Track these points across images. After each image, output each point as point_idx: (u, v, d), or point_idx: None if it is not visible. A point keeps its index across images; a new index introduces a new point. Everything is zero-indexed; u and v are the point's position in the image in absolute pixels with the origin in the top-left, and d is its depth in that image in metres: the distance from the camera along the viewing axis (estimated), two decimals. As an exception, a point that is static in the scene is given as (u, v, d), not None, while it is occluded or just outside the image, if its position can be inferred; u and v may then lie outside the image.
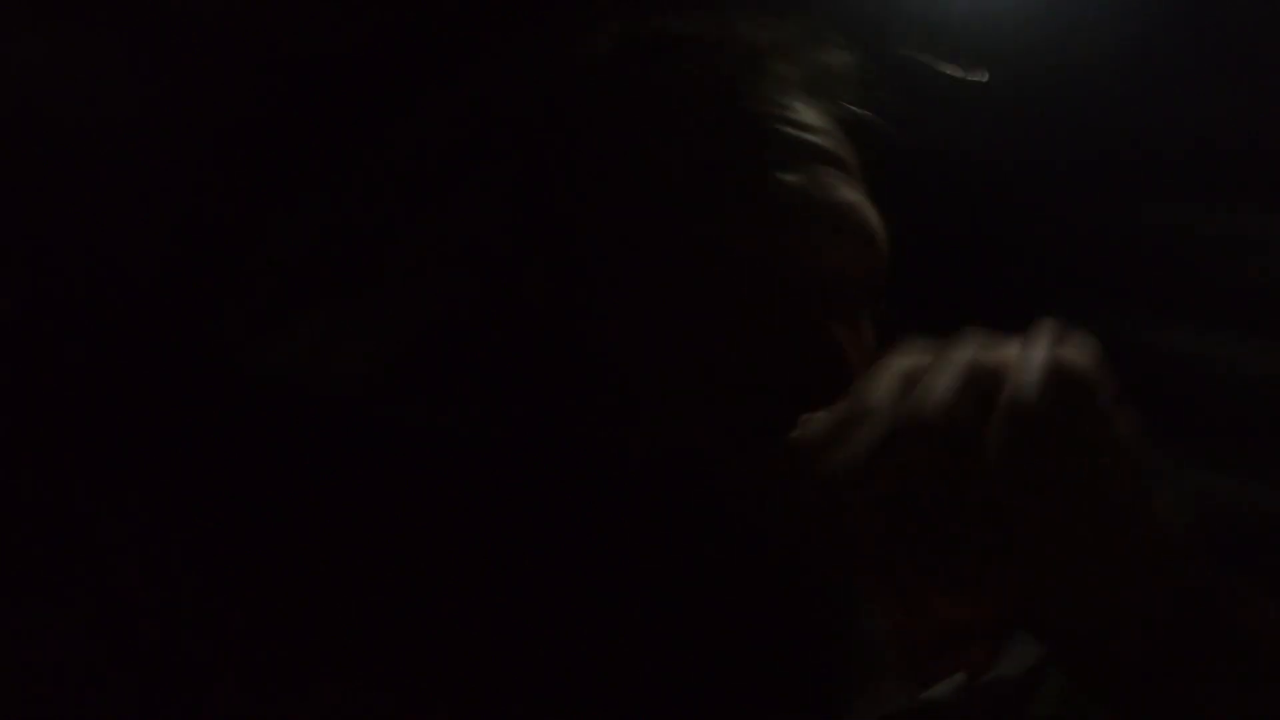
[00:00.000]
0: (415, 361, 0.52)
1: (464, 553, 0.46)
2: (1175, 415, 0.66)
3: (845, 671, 0.44)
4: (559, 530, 0.46)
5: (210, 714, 0.42)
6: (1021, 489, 0.32)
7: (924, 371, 0.35)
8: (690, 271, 0.47)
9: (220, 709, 0.41)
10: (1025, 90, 0.68)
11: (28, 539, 0.44)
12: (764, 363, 0.46)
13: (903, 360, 0.36)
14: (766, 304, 0.46)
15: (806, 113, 0.50)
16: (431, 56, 0.55)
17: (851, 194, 0.49)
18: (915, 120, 0.66)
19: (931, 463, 0.33)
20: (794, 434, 0.37)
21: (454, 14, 0.55)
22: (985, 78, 0.67)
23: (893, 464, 0.33)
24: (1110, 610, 0.34)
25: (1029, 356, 0.33)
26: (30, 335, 0.48)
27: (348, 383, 0.52)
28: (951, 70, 0.67)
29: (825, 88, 0.52)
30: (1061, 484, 0.32)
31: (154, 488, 0.47)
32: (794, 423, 0.37)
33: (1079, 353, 0.34)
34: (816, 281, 0.47)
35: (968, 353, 0.35)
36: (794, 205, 0.47)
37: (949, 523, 0.34)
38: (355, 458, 0.49)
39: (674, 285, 0.47)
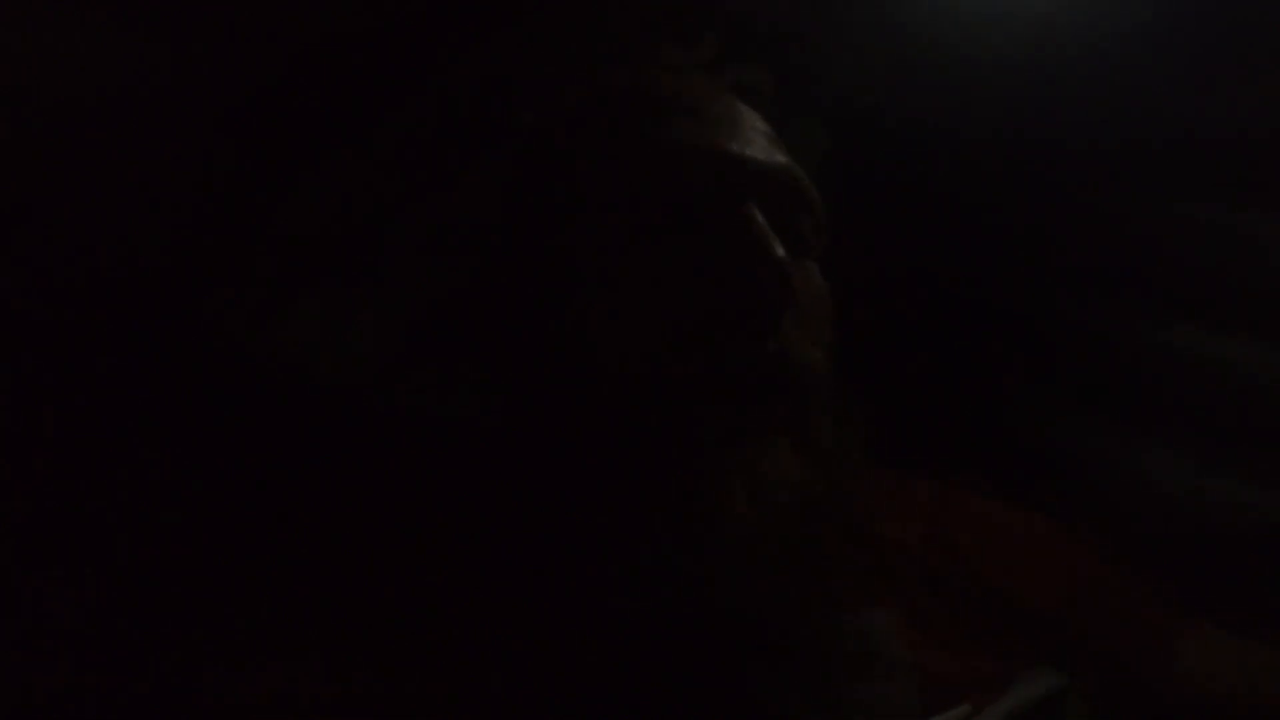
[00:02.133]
0: (416, 346, 0.52)
1: (462, 536, 0.46)
2: (1181, 415, 0.66)
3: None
4: (555, 513, 0.46)
5: (203, 695, 0.42)
6: None
7: None
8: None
9: (212, 690, 0.42)
10: (1045, 77, 0.67)
11: (30, 521, 0.45)
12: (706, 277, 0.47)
13: None
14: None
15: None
16: (436, 42, 0.55)
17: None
18: (923, 108, 0.66)
19: None
20: None
21: (453, 9, 0.55)
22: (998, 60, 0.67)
23: None
24: None
25: None
26: (34, 318, 0.48)
27: (349, 367, 0.52)
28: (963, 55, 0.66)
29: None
30: None
31: (156, 471, 0.47)
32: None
33: None
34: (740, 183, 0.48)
35: None
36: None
37: None
38: (357, 441, 0.49)
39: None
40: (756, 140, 0.51)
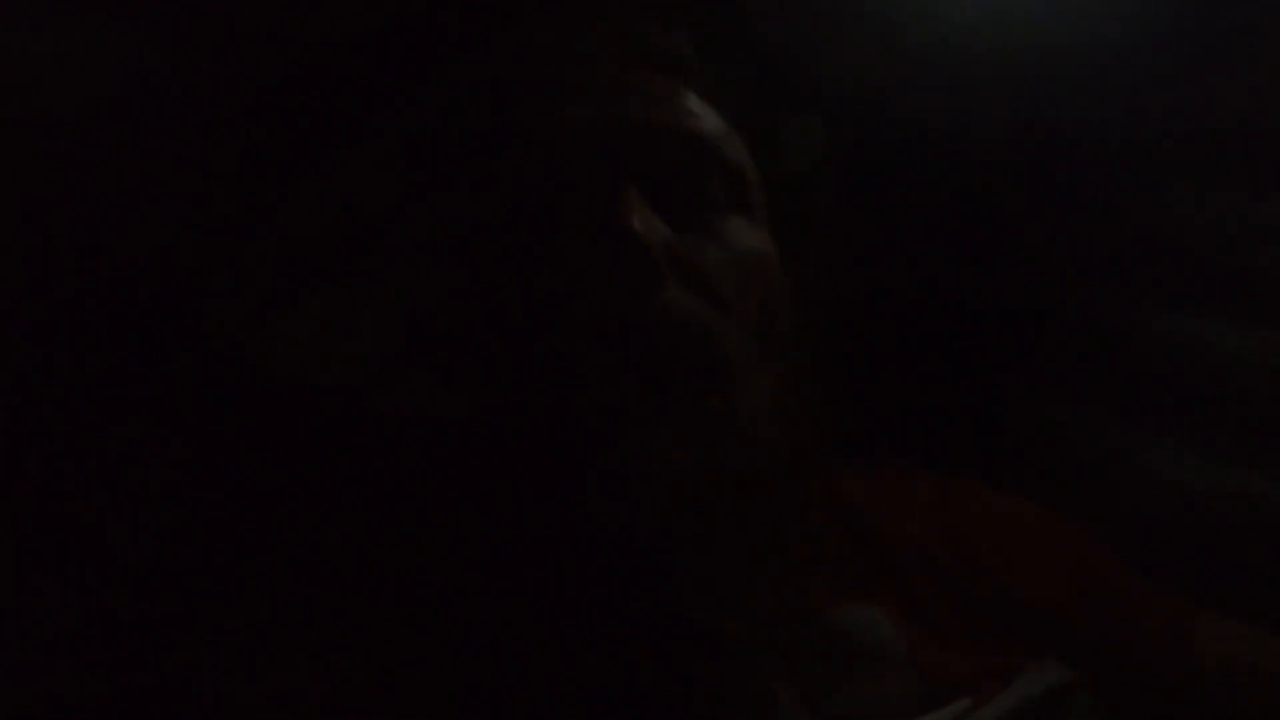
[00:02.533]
0: (416, 347, 0.52)
1: (462, 537, 0.46)
2: (1189, 406, 0.66)
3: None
4: (552, 514, 0.45)
5: (204, 696, 0.42)
6: None
7: None
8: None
9: (213, 691, 0.42)
10: (1045, 73, 0.67)
11: (30, 521, 0.45)
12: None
13: None
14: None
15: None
16: (437, 42, 0.55)
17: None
18: (923, 106, 0.66)
19: None
20: None
21: (454, 8, 0.55)
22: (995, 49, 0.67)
23: None
24: None
25: None
26: (34, 318, 0.48)
27: (349, 368, 0.52)
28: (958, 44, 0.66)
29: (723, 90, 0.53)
30: None
31: (156, 471, 0.47)
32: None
33: None
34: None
35: None
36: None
37: None
38: (356, 442, 0.49)
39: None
40: (641, 107, 0.48)
